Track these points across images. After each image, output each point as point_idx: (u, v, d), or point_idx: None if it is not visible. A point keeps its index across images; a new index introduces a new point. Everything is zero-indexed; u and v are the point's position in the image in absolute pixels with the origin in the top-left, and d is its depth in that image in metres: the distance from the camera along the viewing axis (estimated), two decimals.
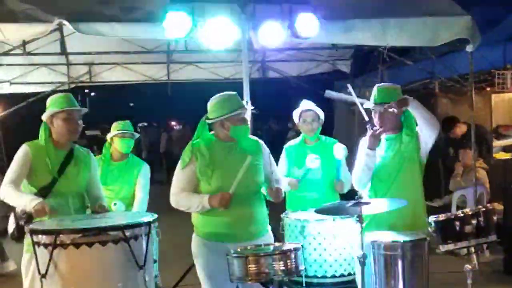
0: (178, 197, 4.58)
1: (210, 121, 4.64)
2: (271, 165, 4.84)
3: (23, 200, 4.43)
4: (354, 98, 4.83)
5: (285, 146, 6.00)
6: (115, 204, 5.83)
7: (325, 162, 5.71)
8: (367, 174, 4.77)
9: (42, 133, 4.68)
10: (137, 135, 6.39)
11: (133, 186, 6.18)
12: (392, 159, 4.78)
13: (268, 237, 4.74)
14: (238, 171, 4.49)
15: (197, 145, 4.62)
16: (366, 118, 4.74)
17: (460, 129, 10.27)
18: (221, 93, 4.69)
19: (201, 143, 4.62)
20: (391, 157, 4.79)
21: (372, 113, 4.84)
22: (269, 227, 4.81)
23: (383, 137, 4.85)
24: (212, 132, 4.70)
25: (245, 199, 4.56)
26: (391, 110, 4.72)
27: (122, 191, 6.09)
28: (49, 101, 4.74)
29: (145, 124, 28.74)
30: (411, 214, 4.72)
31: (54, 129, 4.67)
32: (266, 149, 4.86)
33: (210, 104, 4.67)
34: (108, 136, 6.20)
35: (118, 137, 6.16)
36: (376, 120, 4.80)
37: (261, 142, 4.88)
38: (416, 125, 4.83)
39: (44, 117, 4.69)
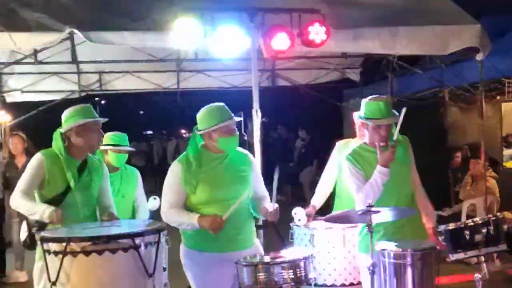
0: (168, 213, 4.53)
1: (199, 132, 4.60)
2: (259, 181, 4.83)
3: (37, 209, 4.43)
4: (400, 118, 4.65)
5: (338, 143, 5.90)
6: (154, 198, 5.84)
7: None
8: (379, 193, 4.64)
9: (58, 143, 4.65)
10: (132, 149, 6.28)
11: (131, 196, 6.11)
12: (392, 170, 4.68)
13: (255, 248, 4.72)
14: (226, 182, 4.52)
15: (185, 156, 4.60)
16: (395, 138, 4.63)
17: (458, 158, 10.37)
18: (210, 104, 4.66)
19: (190, 154, 4.59)
20: (391, 168, 4.67)
21: (376, 128, 4.72)
22: (256, 239, 4.80)
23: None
24: (202, 143, 4.66)
25: (234, 210, 4.56)
26: None
27: (122, 202, 5.96)
28: (71, 112, 4.69)
29: (150, 132, 28.67)
30: (416, 224, 4.72)
31: (78, 140, 4.64)
32: (256, 164, 4.86)
33: (198, 115, 4.63)
34: (102, 148, 5.90)
35: (114, 151, 6.00)
36: (382, 134, 4.67)
37: (251, 156, 4.85)
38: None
39: (66, 128, 4.64)
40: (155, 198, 5.89)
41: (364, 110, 4.80)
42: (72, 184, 4.56)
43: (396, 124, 4.67)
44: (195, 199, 4.52)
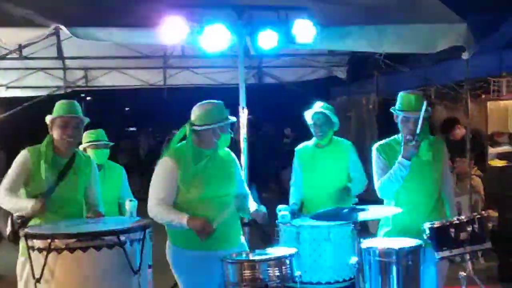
0: (156, 209, 4.49)
1: (200, 128, 4.56)
2: (241, 177, 4.89)
3: (21, 204, 4.44)
4: (422, 112, 4.73)
5: (296, 148, 6.01)
6: (130, 200, 5.78)
7: (337, 165, 5.74)
8: (398, 185, 4.77)
9: (45, 139, 4.67)
10: (111, 144, 6.23)
11: (117, 193, 6.06)
12: (419, 168, 4.79)
13: (241, 246, 4.75)
14: (217, 180, 4.54)
15: (179, 152, 4.57)
16: (418, 131, 4.71)
17: (460, 131, 10.25)
18: (210, 101, 4.67)
19: (185, 150, 4.56)
20: (418, 166, 4.79)
21: (404, 120, 4.84)
22: (242, 237, 4.82)
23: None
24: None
25: (222, 206, 4.56)
26: None
27: (106, 200, 5.90)
28: (55, 106, 4.73)
29: (134, 129, 28.49)
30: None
31: (54, 135, 4.66)
32: (237, 161, 4.89)
33: (201, 111, 4.60)
34: (81, 147, 5.83)
35: (92, 148, 5.98)
36: (410, 127, 4.77)
37: (232, 153, 4.88)
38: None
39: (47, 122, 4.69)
40: (131, 200, 5.86)
41: (397, 102, 4.92)
42: (43, 176, 4.52)
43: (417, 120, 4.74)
44: (187, 196, 4.49)
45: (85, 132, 5.92)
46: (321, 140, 5.86)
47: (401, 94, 4.93)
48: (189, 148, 4.55)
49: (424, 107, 4.66)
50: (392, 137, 5.01)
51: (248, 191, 4.89)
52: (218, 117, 4.56)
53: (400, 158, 4.72)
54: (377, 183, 4.87)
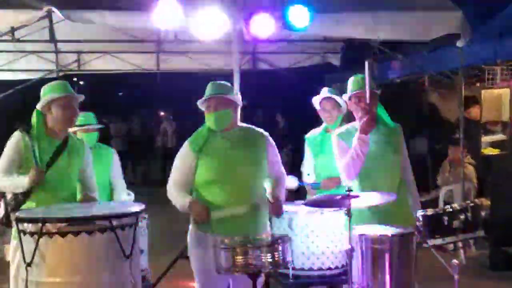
0: (169, 190, 4.61)
1: (202, 109, 4.66)
2: (274, 162, 4.79)
3: (19, 181, 4.42)
4: (366, 72, 4.75)
5: (306, 136, 5.98)
6: (129, 194, 5.77)
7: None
8: (360, 163, 4.73)
9: (34, 121, 4.62)
10: (101, 126, 6.20)
11: (107, 176, 6.04)
12: (377, 150, 4.78)
13: (266, 234, 4.70)
14: (233, 162, 4.52)
15: (196, 135, 4.64)
16: (368, 101, 4.71)
17: (477, 112, 10.18)
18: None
19: (203, 131, 4.63)
20: (375, 147, 4.78)
21: (357, 100, 4.85)
22: (268, 223, 4.77)
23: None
24: None
25: (245, 192, 4.54)
26: None
27: (99, 183, 5.87)
28: (45, 88, 4.68)
29: (126, 113, 28.38)
30: (400, 209, 4.73)
31: (51, 116, 4.61)
32: (271, 144, 4.79)
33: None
34: (70, 130, 5.55)
35: (83, 131, 5.95)
36: (362, 106, 4.77)
37: (267, 136, 4.81)
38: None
39: (40, 104, 4.62)
40: (129, 194, 5.81)
41: (348, 90, 4.94)
42: (37, 156, 4.49)
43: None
44: (201, 178, 4.54)
45: None
46: (332, 124, 5.83)
47: (350, 80, 4.99)
48: (204, 131, 4.62)
49: (367, 66, 4.71)
50: (350, 124, 4.98)
51: (279, 176, 4.85)
52: (207, 92, 4.60)
53: (357, 134, 4.72)
54: (340, 164, 4.85)
